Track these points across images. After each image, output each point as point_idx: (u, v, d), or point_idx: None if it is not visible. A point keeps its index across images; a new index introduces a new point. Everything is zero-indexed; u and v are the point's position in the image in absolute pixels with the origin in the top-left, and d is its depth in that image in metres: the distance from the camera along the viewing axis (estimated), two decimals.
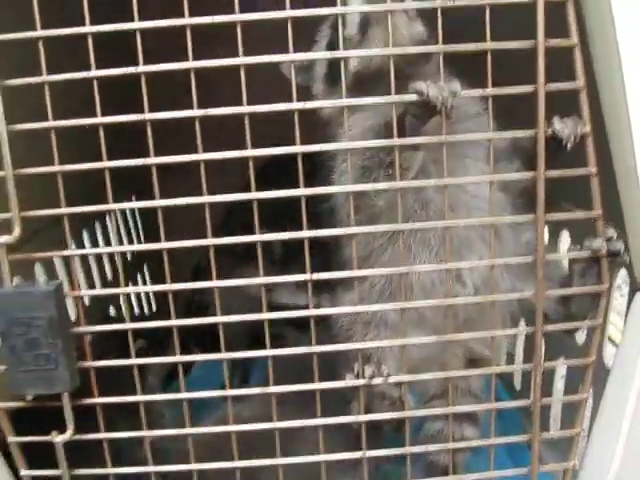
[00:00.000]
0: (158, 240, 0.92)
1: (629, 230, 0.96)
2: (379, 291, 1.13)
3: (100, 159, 0.89)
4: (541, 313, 0.92)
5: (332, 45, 1.16)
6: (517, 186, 1.08)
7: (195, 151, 0.88)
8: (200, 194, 0.89)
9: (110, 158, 0.88)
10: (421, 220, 1.11)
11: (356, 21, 1.13)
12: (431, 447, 1.03)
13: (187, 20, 0.83)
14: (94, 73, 0.86)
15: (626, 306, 1.08)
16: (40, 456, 0.98)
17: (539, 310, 0.93)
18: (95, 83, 0.85)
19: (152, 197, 0.90)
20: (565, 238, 1.35)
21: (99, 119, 0.87)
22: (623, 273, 1.07)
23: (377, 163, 1.03)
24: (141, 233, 2.27)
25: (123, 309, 1.37)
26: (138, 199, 1.89)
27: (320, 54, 1.18)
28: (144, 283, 2.20)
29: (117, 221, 2.12)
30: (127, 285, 1.90)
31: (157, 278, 2.17)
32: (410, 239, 1.10)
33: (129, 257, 2.06)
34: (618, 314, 1.21)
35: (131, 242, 2.18)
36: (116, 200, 0.90)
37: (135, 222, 2.26)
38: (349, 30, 1.13)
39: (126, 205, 0.93)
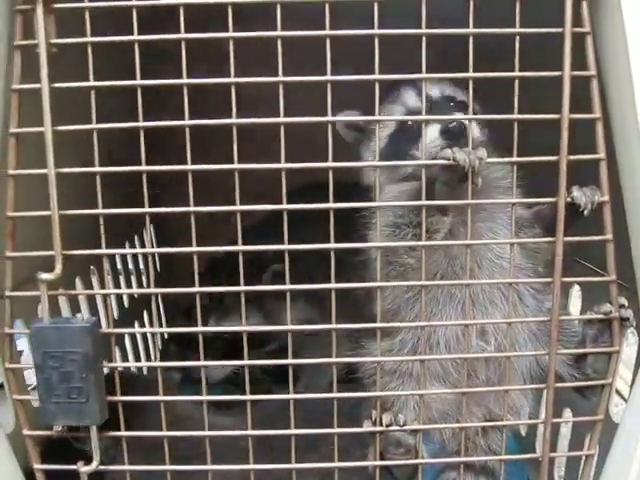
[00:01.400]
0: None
1: None
2: (410, 348, 1.18)
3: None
4: (553, 370, 0.96)
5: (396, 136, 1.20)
6: (542, 257, 1.13)
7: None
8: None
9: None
10: (448, 276, 1.16)
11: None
12: None
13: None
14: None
15: (635, 360, 1.12)
16: None
17: (551, 367, 0.96)
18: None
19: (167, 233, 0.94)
20: (576, 291, 1.40)
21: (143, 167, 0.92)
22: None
23: (407, 222, 1.09)
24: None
25: None
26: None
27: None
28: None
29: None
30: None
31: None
32: (437, 292, 1.15)
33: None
34: (625, 365, 1.25)
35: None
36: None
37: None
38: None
39: (158, 250, 0.96)
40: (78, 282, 1.52)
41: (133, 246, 2.03)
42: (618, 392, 1.49)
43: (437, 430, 1.19)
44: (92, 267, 1.67)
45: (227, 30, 0.88)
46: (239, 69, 0.89)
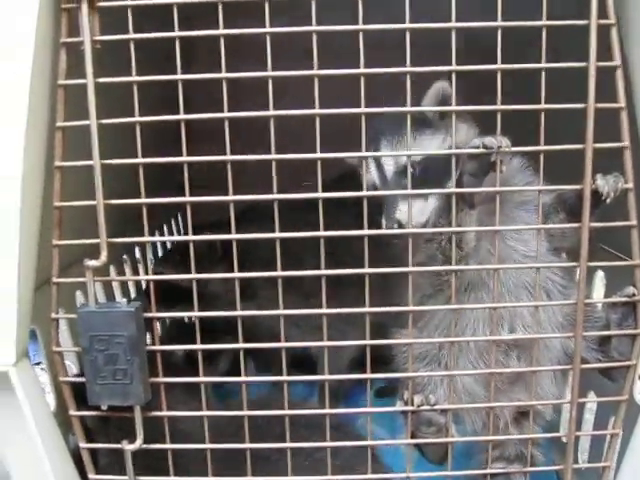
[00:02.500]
0: None
1: None
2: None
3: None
4: (579, 351, 1.00)
5: None
6: (568, 243, 1.17)
7: None
8: None
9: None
10: (476, 285, 1.21)
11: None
12: (470, 472, 1.10)
13: None
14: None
15: None
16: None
17: (577, 348, 1.00)
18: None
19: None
20: (599, 278, 1.43)
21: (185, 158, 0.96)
22: None
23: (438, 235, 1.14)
24: None
25: None
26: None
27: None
28: None
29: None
30: None
31: None
32: (464, 298, 1.19)
33: None
34: None
35: None
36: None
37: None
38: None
39: (199, 238, 1.00)
40: (112, 270, 1.58)
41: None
42: None
43: (468, 420, 1.22)
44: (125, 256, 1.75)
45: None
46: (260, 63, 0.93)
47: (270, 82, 0.93)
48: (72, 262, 1.05)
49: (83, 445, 1.06)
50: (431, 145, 1.14)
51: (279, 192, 0.96)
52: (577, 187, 0.96)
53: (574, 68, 0.93)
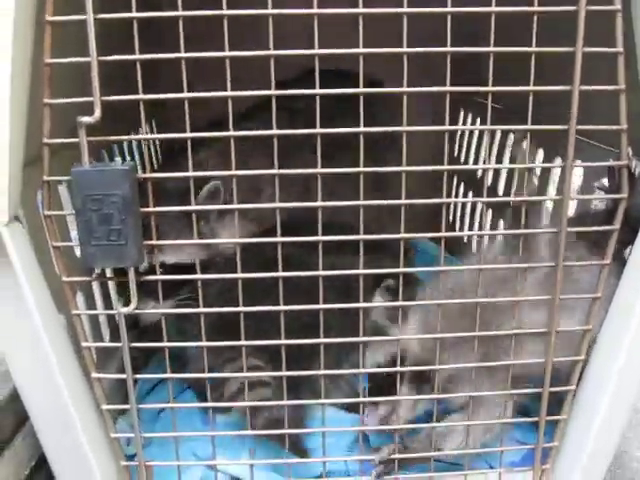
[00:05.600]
0: None
1: None
2: None
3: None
4: (563, 247, 1.05)
5: None
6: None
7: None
8: None
9: None
10: None
11: None
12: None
13: None
14: None
15: None
16: None
17: (561, 245, 1.05)
18: None
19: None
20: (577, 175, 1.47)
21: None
22: None
23: None
24: None
25: None
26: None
27: None
28: None
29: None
30: None
31: None
32: None
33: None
34: None
35: None
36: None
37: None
38: None
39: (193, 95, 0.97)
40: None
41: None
42: None
43: None
44: None
45: None
46: None
47: None
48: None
49: (75, 312, 1.07)
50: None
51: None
52: (567, 87, 0.99)
53: None
